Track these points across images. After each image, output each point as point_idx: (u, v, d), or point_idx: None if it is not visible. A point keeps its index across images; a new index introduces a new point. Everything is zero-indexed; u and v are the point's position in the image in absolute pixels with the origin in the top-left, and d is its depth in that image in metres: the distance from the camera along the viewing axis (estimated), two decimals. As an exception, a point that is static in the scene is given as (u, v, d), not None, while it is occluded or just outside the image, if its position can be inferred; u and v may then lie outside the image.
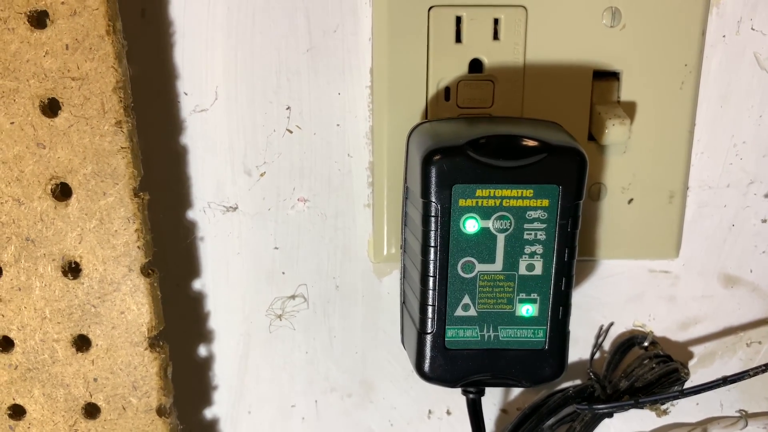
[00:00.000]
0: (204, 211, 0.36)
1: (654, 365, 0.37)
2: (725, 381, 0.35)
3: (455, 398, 0.39)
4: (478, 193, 0.29)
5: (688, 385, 0.37)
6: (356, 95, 0.35)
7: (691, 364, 0.39)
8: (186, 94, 0.35)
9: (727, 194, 0.37)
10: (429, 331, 0.30)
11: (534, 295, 0.30)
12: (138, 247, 0.32)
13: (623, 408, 0.36)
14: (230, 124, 0.35)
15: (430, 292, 0.30)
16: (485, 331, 0.30)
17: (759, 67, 0.35)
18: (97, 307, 0.33)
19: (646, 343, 0.38)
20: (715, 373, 0.39)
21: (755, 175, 0.37)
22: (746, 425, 0.40)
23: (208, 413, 0.39)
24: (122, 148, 0.31)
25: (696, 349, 0.39)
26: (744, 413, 0.40)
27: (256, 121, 0.35)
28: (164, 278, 0.36)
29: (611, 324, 0.39)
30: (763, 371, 0.36)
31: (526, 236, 0.29)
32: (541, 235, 0.29)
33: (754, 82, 0.35)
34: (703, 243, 0.38)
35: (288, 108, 0.35)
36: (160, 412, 0.35)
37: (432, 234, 0.29)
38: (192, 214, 0.36)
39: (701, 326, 0.39)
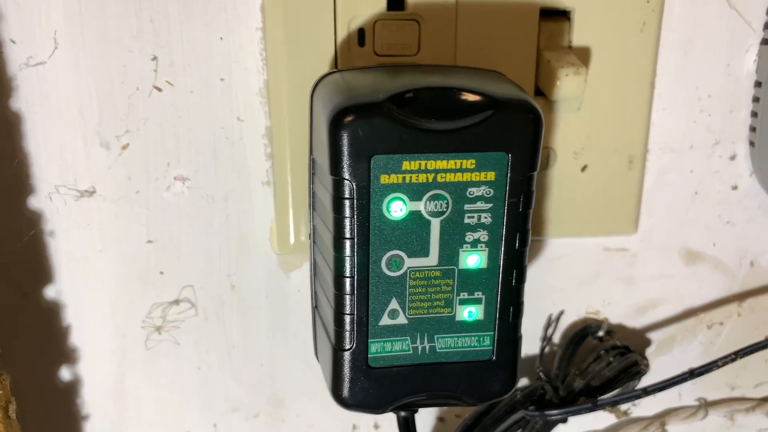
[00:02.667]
0: (50, 197, 0.29)
1: (611, 359, 0.33)
2: (692, 374, 0.32)
3: (384, 409, 0.34)
4: (405, 165, 0.23)
5: (648, 375, 0.33)
6: (244, 40, 0.29)
7: (648, 351, 0.35)
8: (13, 41, 0.28)
9: (690, 157, 0.32)
10: (347, 347, 0.24)
11: (478, 294, 0.24)
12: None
13: (579, 412, 0.31)
14: (78, 81, 0.28)
15: (347, 297, 0.23)
16: (419, 342, 0.24)
17: (728, 6, 0.30)
18: None
19: (601, 333, 0.34)
20: (674, 360, 0.36)
21: (721, 134, 0.32)
22: (706, 415, 0.36)
23: (78, 450, 0.32)
24: None
25: (654, 335, 0.35)
26: (703, 402, 0.37)
27: (112, 76, 0.28)
28: (6, 286, 0.29)
29: (561, 312, 0.34)
30: (732, 360, 0.32)
31: (467, 220, 0.24)
32: (485, 217, 0.23)
33: (723, 24, 0.31)
34: (663, 215, 0.33)
35: (154, 58, 0.28)
36: (0, 463, 0.27)
37: (347, 222, 0.23)
38: (35, 202, 0.30)
39: (660, 309, 0.35)
